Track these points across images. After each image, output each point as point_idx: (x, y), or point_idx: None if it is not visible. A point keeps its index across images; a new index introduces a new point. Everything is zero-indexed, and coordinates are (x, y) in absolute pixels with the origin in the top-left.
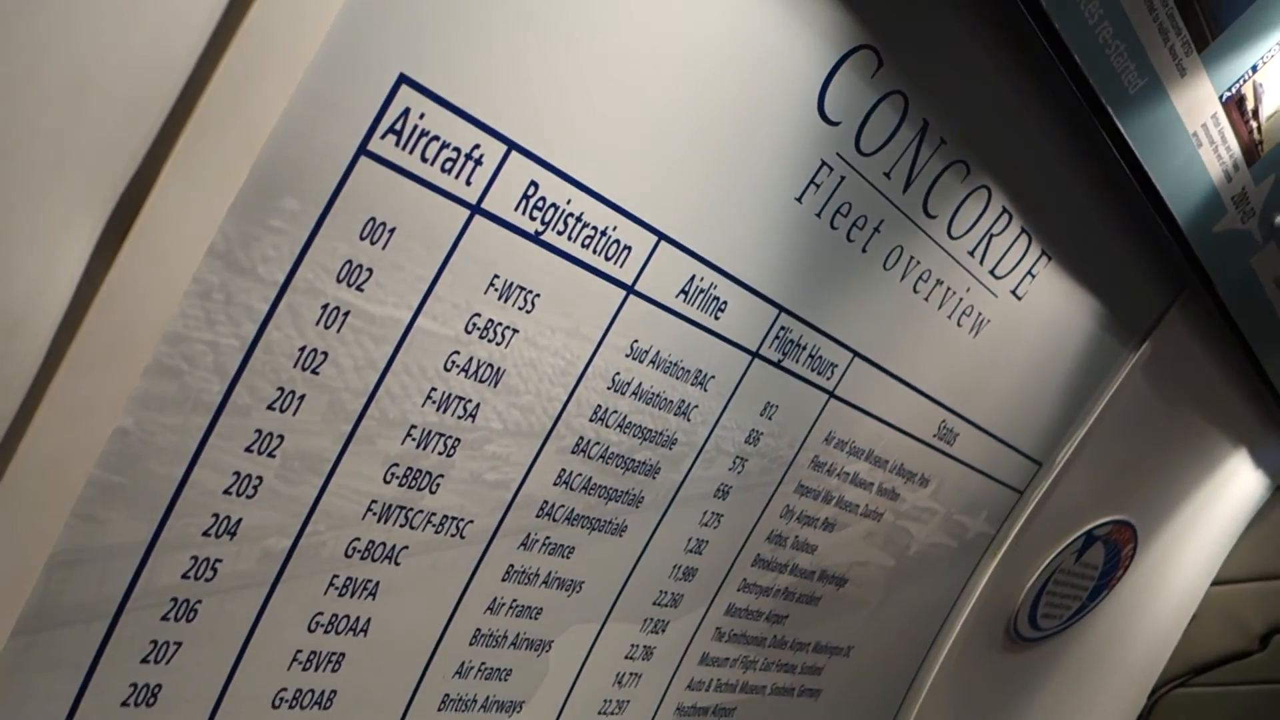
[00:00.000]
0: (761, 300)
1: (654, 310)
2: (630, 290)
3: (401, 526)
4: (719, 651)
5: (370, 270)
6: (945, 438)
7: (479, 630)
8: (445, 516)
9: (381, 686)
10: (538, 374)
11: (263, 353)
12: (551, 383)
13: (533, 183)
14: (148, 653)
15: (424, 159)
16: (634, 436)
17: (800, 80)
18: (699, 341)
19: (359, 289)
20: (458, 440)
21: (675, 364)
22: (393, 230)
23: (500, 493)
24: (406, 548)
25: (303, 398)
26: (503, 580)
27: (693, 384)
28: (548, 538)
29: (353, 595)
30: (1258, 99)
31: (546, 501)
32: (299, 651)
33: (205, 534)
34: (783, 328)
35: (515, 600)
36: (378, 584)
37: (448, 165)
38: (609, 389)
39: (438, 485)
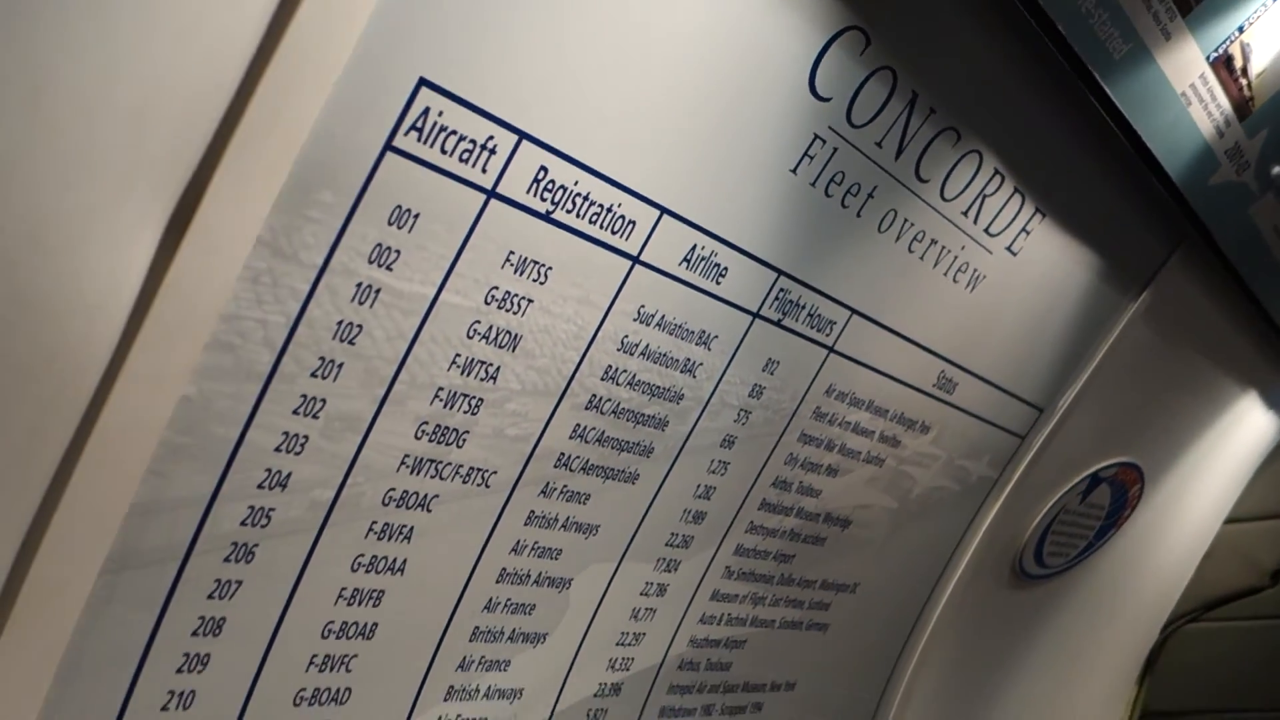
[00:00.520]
0: (760, 265)
1: (658, 278)
2: (635, 260)
3: (432, 478)
4: (729, 588)
5: (398, 252)
6: (945, 387)
7: (504, 569)
8: (471, 468)
9: (418, 620)
10: (552, 339)
11: (306, 327)
12: (565, 346)
13: (542, 167)
14: (213, 590)
15: (443, 151)
16: (643, 393)
17: (791, 61)
18: (702, 305)
19: (389, 269)
20: (481, 400)
21: (680, 326)
22: (417, 216)
23: (521, 446)
24: (437, 496)
25: (341, 366)
26: (525, 524)
27: (697, 344)
28: (565, 486)
29: (390, 539)
30: (1246, 58)
31: (563, 453)
32: (343, 589)
33: (260, 486)
34: (782, 289)
35: (537, 542)
36: (412, 529)
37: (465, 156)
38: (618, 350)
39: (464, 440)
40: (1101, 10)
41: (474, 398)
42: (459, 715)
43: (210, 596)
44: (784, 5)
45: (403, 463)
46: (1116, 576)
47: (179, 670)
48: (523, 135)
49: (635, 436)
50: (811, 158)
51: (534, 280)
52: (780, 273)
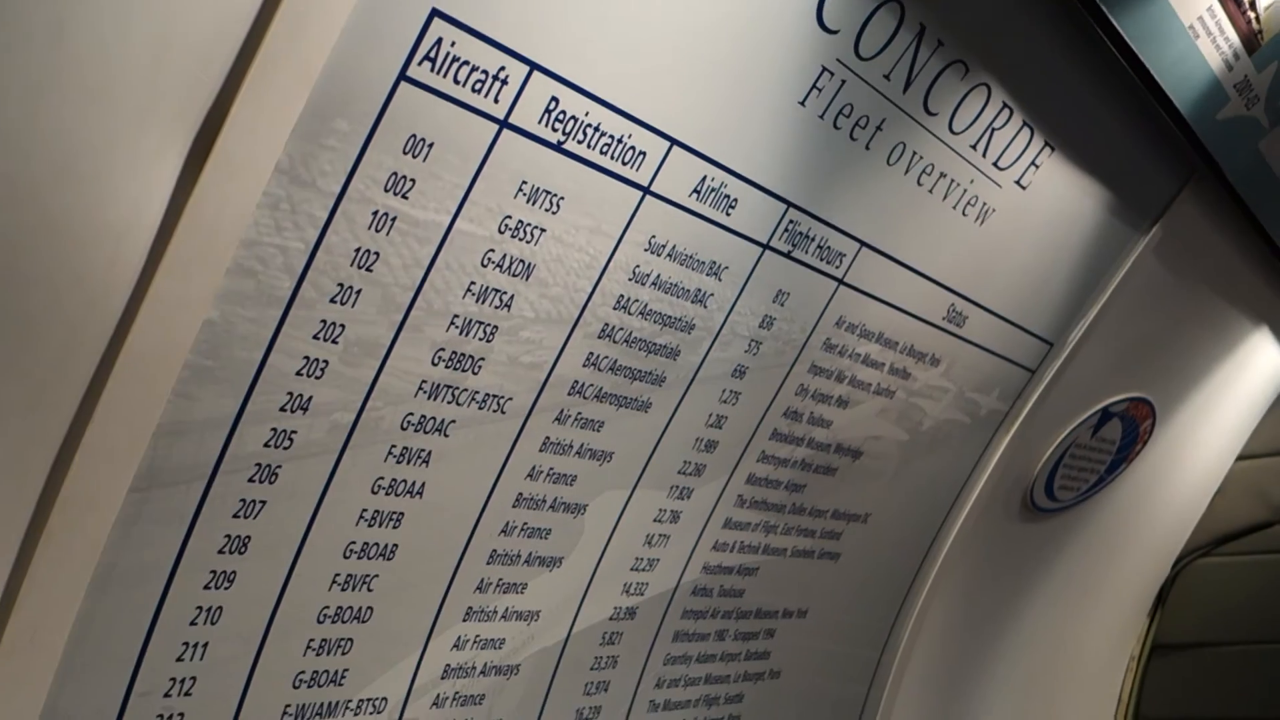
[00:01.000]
0: (770, 196)
1: (669, 209)
2: (646, 191)
3: (449, 403)
4: (742, 516)
5: (413, 180)
6: (955, 320)
7: (520, 494)
8: (487, 394)
9: (437, 542)
10: (565, 268)
11: (324, 254)
12: (578, 275)
13: (553, 98)
14: (238, 509)
15: (456, 81)
16: (655, 322)
17: None
18: (712, 236)
19: (404, 197)
20: (495, 328)
21: (691, 256)
22: (431, 145)
23: (535, 373)
24: (454, 421)
25: (359, 292)
26: (540, 450)
27: (708, 274)
28: (579, 413)
29: (409, 463)
30: None
31: (577, 381)
32: (364, 510)
33: (282, 409)
34: (791, 221)
35: (552, 468)
36: (430, 453)
37: (477, 86)
38: (630, 280)
39: (479, 367)
40: None
41: (489, 325)
42: (477, 635)
43: (236, 515)
44: None
45: (420, 388)
46: (1128, 511)
47: (206, 586)
48: (534, 66)
49: (647, 365)
50: (820, 90)
51: (546, 210)
52: (790, 204)
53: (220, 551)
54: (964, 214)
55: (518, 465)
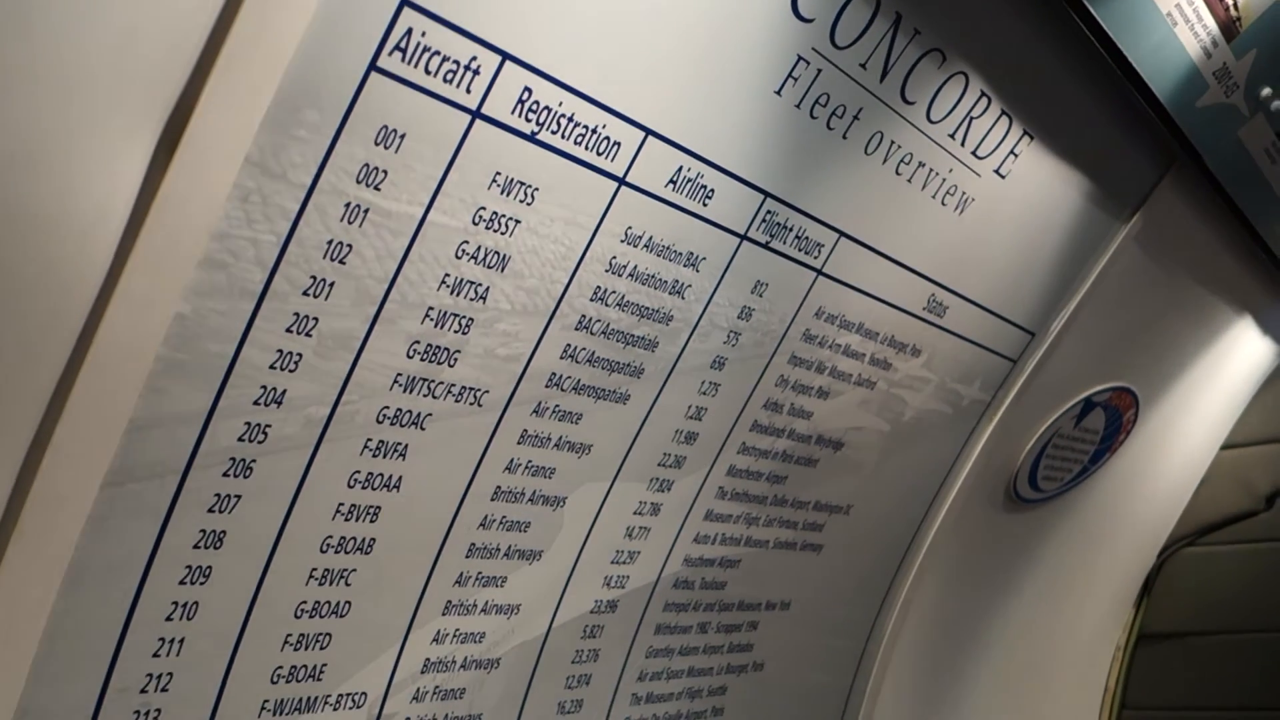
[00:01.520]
0: (747, 187)
1: (645, 199)
2: (622, 182)
3: (425, 396)
4: (723, 508)
5: (385, 172)
6: (935, 310)
7: (499, 487)
8: (464, 387)
9: (415, 536)
10: (540, 259)
11: (296, 246)
12: (554, 267)
13: (526, 88)
14: (213, 504)
15: (427, 71)
16: (632, 314)
17: None
18: (689, 226)
19: (376, 188)
20: (471, 320)
21: (668, 248)
22: (403, 136)
23: (512, 366)
24: (430, 415)
25: (333, 284)
26: (518, 443)
27: (685, 265)
28: (557, 405)
29: (385, 456)
30: None
31: (554, 373)
32: (341, 504)
33: (256, 403)
34: (769, 211)
35: (530, 461)
36: (406, 446)
37: (449, 76)
38: (607, 271)
39: (455, 360)
40: None
41: (464, 317)
42: (457, 629)
43: (211, 510)
44: None
45: (395, 381)
46: (1112, 500)
47: (182, 581)
48: (506, 56)
49: (625, 357)
50: (795, 79)
51: (521, 201)
52: (767, 195)
53: (195, 547)
54: (943, 203)
55: (495, 458)
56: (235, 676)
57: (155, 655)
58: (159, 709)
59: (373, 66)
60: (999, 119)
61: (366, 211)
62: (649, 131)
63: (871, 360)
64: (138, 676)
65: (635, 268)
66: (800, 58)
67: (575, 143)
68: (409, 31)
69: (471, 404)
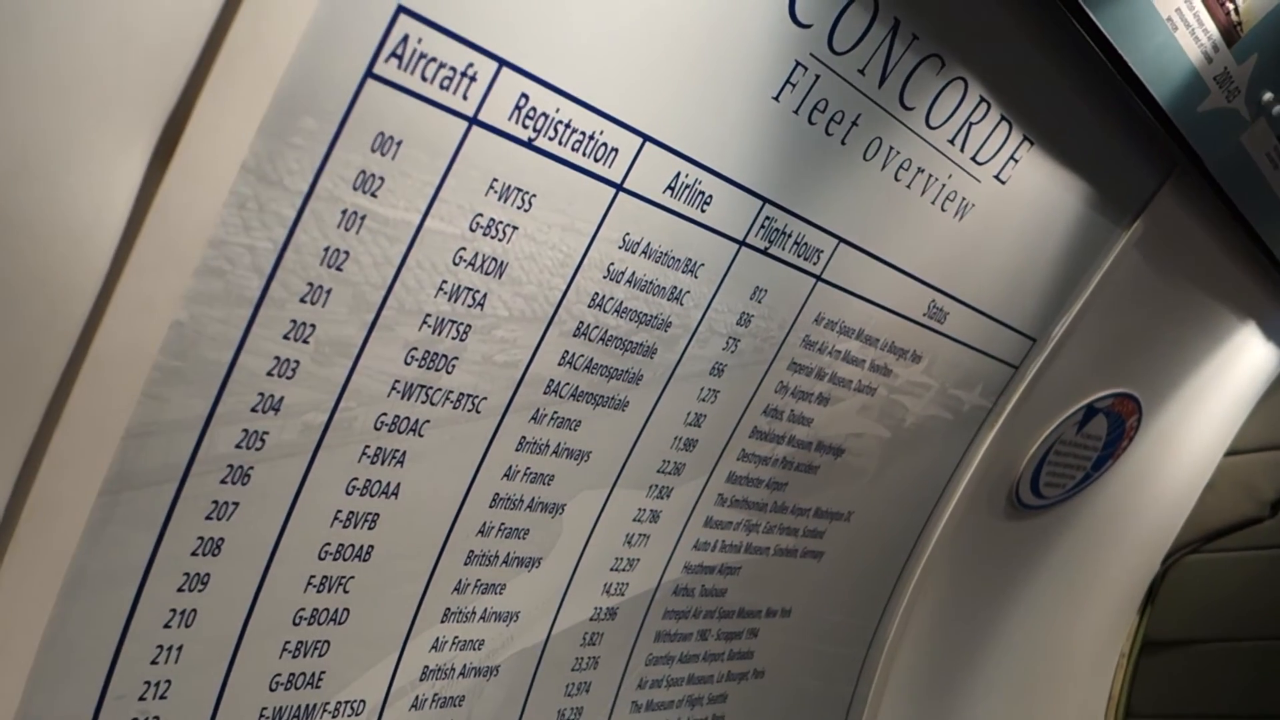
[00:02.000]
0: (745, 193)
1: (643, 205)
2: (619, 188)
3: (423, 403)
4: (723, 515)
5: (382, 178)
6: (935, 316)
7: (497, 494)
8: (461, 394)
9: (413, 543)
10: (538, 266)
11: (293, 253)
12: (551, 273)
13: (523, 95)
14: (210, 511)
15: (424, 78)
16: (631, 320)
17: None
18: (687, 232)
19: (373, 195)
20: (469, 326)
21: (666, 254)
22: (400, 142)
23: (510, 372)
24: (428, 421)
25: (330, 291)
26: (516, 450)
27: (683, 271)
28: (555, 412)
29: (383, 463)
30: None
31: (553, 380)
32: (339, 511)
33: (253, 410)
34: (767, 217)
35: (529, 468)
36: (405, 453)
37: (445, 83)
38: (605, 278)
39: (453, 366)
40: None
41: (462, 324)
42: (456, 637)
43: (208, 517)
44: None
45: (393, 388)
46: (1116, 507)
47: (180, 589)
48: (502, 62)
49: (624, 364)
50: (793, 85)
51: (518, 207)
52: (765, 201)
53: (193, 554)
54: (943, 209)
55: (494, 465)
56: (233, 684)
57: (153, 662)
58: (157, 716)
59: (369, 73)
60: (999, 124)
61: (364, 218)
62: (646, 137)
63: (872, 366)
64: (136, 684)
65: (633, 274)
66: (798, 63)
67: (572, 149)
68: (405, 38)
69: (470, 411)
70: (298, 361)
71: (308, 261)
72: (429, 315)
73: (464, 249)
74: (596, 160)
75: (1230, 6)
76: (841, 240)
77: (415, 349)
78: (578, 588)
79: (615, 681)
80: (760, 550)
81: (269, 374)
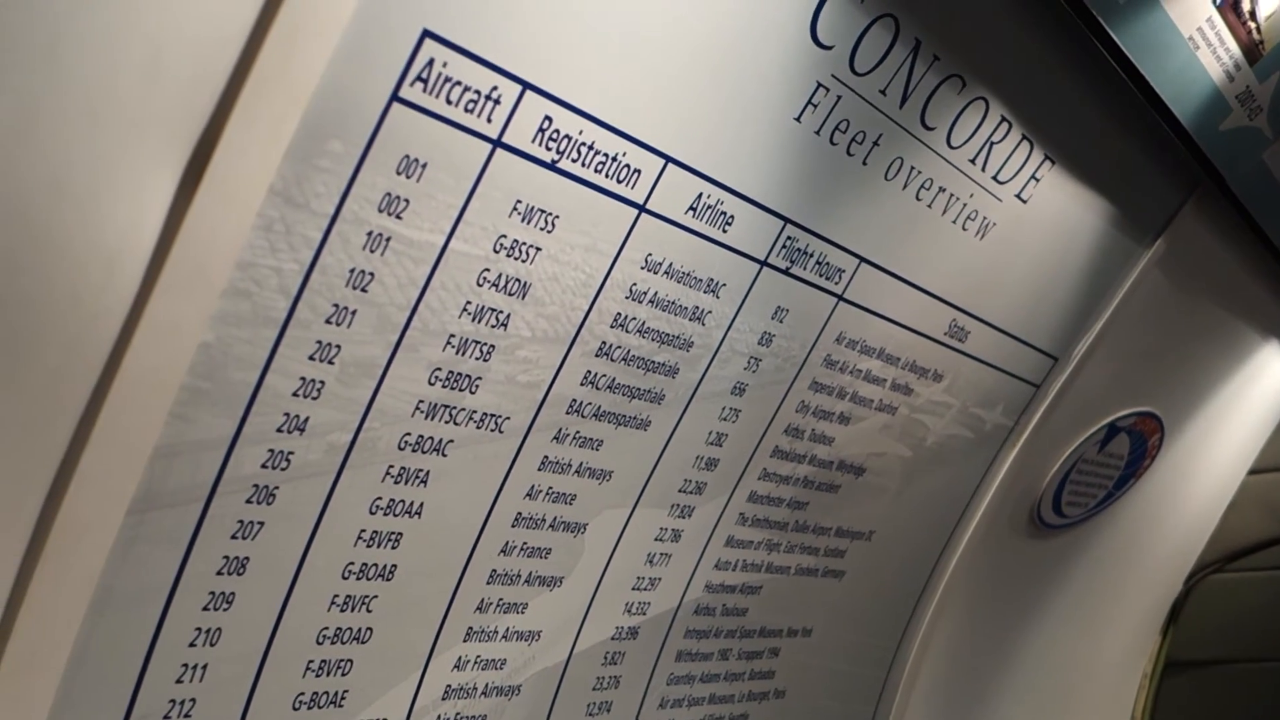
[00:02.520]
0: (767, 213)
1: (665, 226)
2: (642, 209)
3: (446, 423)
4: (744, 535)
5: (407, 201)
6: (956, 335)
7: (520, 514)
8: (485, 414)
9: (436, 562)
10: (561, 287)
11: (319, 275)
12: (574, 294)
13: (547, 117)
14: (236, 530)
15: (449, 101)
16: (653, 340)
17: (792, 9)
18: (709, 253)
19: (398, 217)
20: (492, 347)
21: (688, 274)
22: (425, 165)
23: (533, 392)
24: (452, 441)
25: (355, 312)
26: (539, 470)
27: (705, 292)
28: (578, 432)
29: (407, 483)
30: (1254, 1)
31: (575, 400)
32: (362, 531)
33: (279, 430)
34: (789, 238)
35: (551, 487)
36: (428, 473)
37: (470, 106)
38: (627, 298)
39: (476, 386)
40: None
41: (485, 344)
42: (478, 656)
43: (234, 537)
44: None
45: (417, 408)
46: (1138, 527)
47: (205, 608)
48: (526, 85)
49: (646, 384)
50: (815, 106)
51: (541, 229)
52: (787, 221)
53: (219, 573)
54: (964, 228)
55: (516, 484)
56: (257, 702)
57: (178, 681)
58: None
59: (395, 97)
60: (1020, 143)
61: (389, 240)
62: (669, 159)
63: (893, 385)
64: (161, 703)
65: (655, 294)
66: (820, 84)
67: (595, 170)
68: (430, 62)
69: (493, 430)
70: (323, 382)
71: (333, 283)
72: (453, 336)
73: (488, 270)
74: (619, 181)
75: (1252, 25)
76: (863, 260)
77: (439, 369)
78: (599, 607)
79: (637, 701)
80: (781, 570)
81: (294, 394)
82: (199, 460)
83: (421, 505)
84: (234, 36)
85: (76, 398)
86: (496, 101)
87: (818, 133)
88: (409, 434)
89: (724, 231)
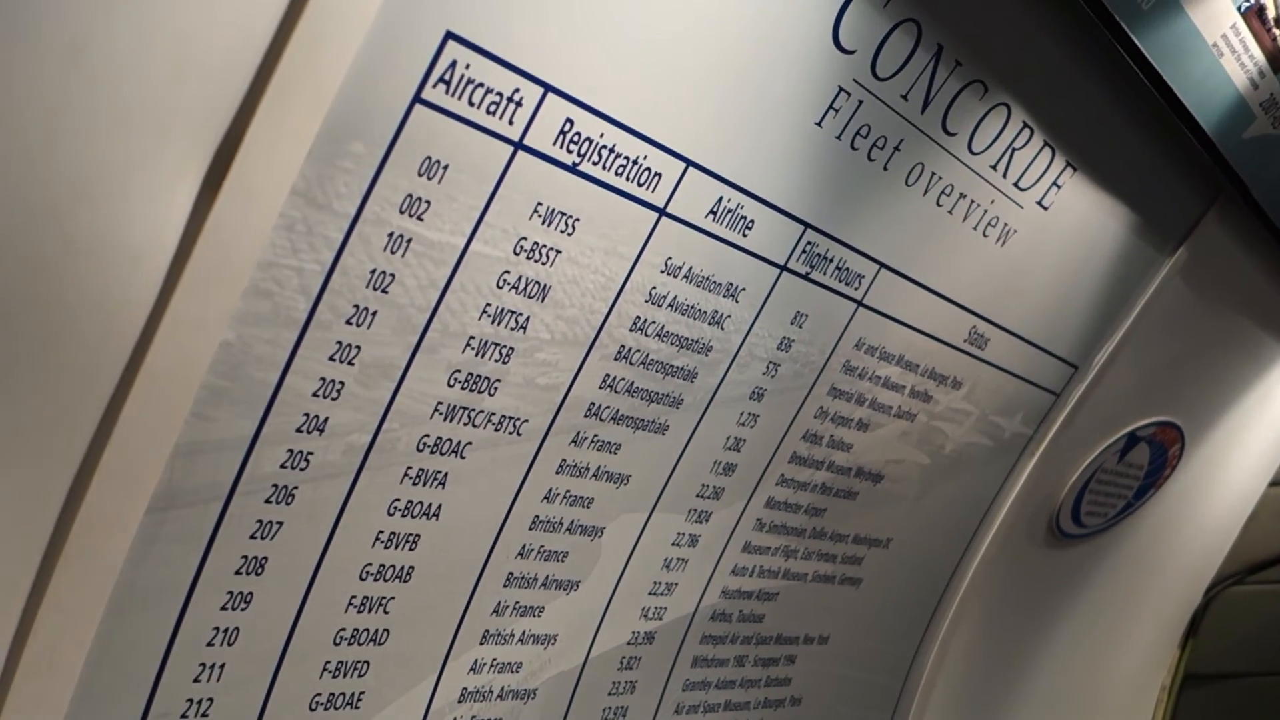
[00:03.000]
0: (787, 218)
1: (685, 230)
2: (662, 212)
3: (465, 425)
4: (761, 541)
5: (428, 202)
6: (976, 342)
7: (537, 517)
8: (503, 416)
9: (453, 564)
10: (580, 290)
11: (340, 275)
12: (594, 297)
13: (568, 120)
14: (254, 530)
15: (471, 103)
16: (671, 344)
17: (814, 13)
18: (729, 257)
19: (419, 219)
20: (511, 349)
21: (707, 278)
22: (446, 167)
23: (551, 395)
24: (470, 443)
25: (375, 313)
26: (556, 473)
27: (725, 296)
28: (596, 435)
29: (425, 484)
30: (1278, 8)
31: (593, 403)
32: (380, 532)
33: (298, 430)
34: (809, 243)
35: (569, 491)
36: (446, 474)
37: (492, 108)
38: (646, 302)
39: (495, 389)
40: None
41: (505, 347)
42: (494, 659)
43: (252, 536)
44: None
45: (436, 409)
46: (1157, 537)
47: (223, 607)
48: (548, 88)
49: (664, 388)
50: (836, 110)
51: (562, 231)
52: (807, 226)
53: (237, 573)
54: (985, 235)
55: (534, 487)
56: (274, 703)
57: (196, 680)
58: None
59: (417, 98)
60: (1041, 150)
61: (409, 241)
62: (689, 162)
63: (912, 392)
64: (179, 702)
65: (675, 298)
66: (841, 89)
67: (616, 173)
68: (453, 64)
69: (511, 433)
70: (343, 383)
71: (354, 284)
72: (472, 338)
73: (508, 272)
74: (640, 185)
75: (1277, 33)
76: (883, 265)
77: (458, 371)
78: (615, 611)
79: (652, 706)
80: (798, 576)
81: (314, 395)
82: (219, 459)
83: (439, 507)
84: (258, 37)
85: (99, 395)
86: (518, 104)
87: (839, 137)
88: (428, 435)
89: (744, 236)
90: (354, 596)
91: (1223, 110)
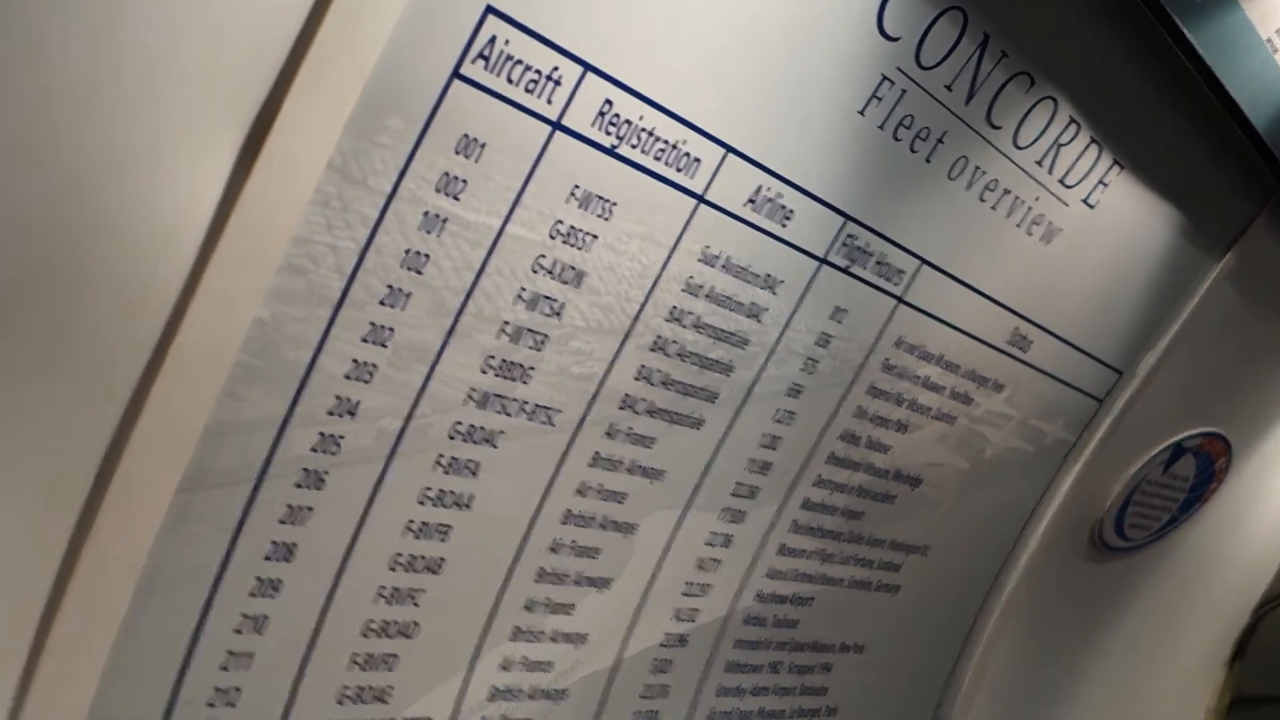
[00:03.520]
0: (827, 209)
1: (723, 218)
2: (700, 199)
3: (498, 413)
4: (796, 543)
5: (465, 181)
6: (1018, 344)
7: (569, 511)
8: (536, 405)
9: (484, 557)
10: (617, 276)
11: (374, 254)
12: (630, 285)
13: (607, 100)
14: (284, 515)
15: (510, 80)
16: (708, 336)
17: None
18: (767, 247)
19: (455, 198)
20: (545, 336)
21: (745, 269)
22: (483, 145)
23: (586, 385)
24: (503, 432)
25: (409, 295)
26: (590, 466)
27: (762, 287)
28: (630, 428)
29: (457, 473)
30: None
31: (628, 395)
32: (411, 521)
33: (330, 413)
34: (849, 235)
35: (602, 485)
36: (478, 464)
37: (530, 86)
38: (683, 291)
39: (529, 377)
40: None
41: (539, 333)
42: (525, 656)
43: (282, 521)
44: None
45: (469, 396)
46: (1203, 553)
47: (252, 594)
48: (588, 67)
49: (700, 381)
50: (880, 99)
51: (599, 215)
52: (847, 218)
53: (266, 558)
54: (1029, 233)
55: (567, 480)
56: (302, 695)
57: (223, 668)
58: None
59: (455, 74)
60: (1088, 146)
61: (445, 221)
62: (729, 149)
63: (952, 394)
64: (206, 689)
65: (712, 288)
66: (885, 77)
67: (655, 158)
68: (492, 39)
69: (544, 423)
70: (375, 365)
71: (388, 263)
72: (507, 323)
73: (543, 256)
74: (679, 170)
75: None
76: (924, 261)
77: (492, 357)
78: (648, 612)
79: (684, 712)
80: (834, 581)
81: (346, 377)
82: (249, 440)
83: (471, 497)
84: (296, 9)
85: (130, 371)
86: (557, 82)
87: (881, 127)
88: (460, 423)
89: (783, 226)
90: (383, 587)
91: (1277, 109)
